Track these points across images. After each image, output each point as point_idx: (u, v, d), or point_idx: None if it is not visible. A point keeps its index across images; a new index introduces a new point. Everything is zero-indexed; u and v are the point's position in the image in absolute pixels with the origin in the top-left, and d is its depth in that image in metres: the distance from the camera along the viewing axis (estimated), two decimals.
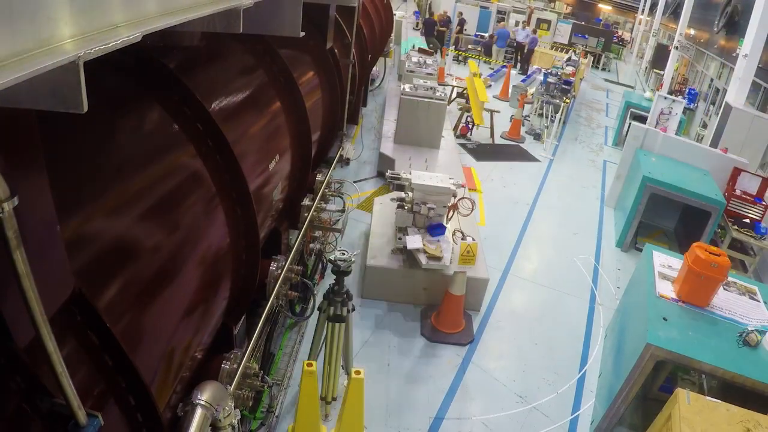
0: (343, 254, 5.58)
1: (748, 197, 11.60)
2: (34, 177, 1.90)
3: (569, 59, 22.13)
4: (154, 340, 2.83)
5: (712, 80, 21.27)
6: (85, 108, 1.68)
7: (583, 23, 37.37)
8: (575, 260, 10.99)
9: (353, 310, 6.08)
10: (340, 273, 5.75)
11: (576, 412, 7.18)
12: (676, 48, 26.65)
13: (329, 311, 5.88)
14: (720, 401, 5.27)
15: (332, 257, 5.52)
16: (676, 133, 15.07)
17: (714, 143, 13.98)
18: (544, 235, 11.93)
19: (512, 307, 9.14)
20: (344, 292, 5.90)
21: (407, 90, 12.83)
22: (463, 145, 15.40)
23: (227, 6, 2.84)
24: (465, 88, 16.76)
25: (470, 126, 16.10)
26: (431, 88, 12.96)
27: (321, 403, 6.56)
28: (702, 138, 17.66)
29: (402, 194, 8.40)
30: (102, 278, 2.46)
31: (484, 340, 8.17)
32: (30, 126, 1.84)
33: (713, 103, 19.85)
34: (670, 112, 15.63)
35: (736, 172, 11.85)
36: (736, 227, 11.06)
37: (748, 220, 11.22)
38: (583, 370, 7.97)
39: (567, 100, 18.08)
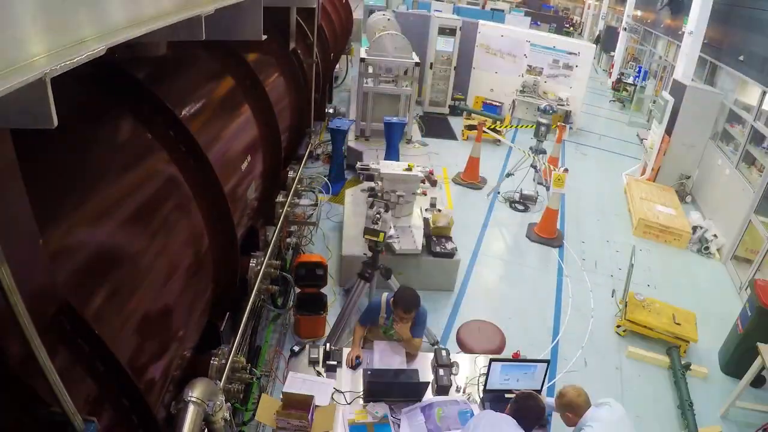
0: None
1: None
2: (13, 194, 1.87)
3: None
4: (143, 342, 2.81)
5: (660, 58, 21.54)
6: (55, 123, 1.66)
7: (534, 11, 37.59)
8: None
9: (388, 278, 7.38)
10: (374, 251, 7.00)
11: (552, 380, 7.28)
12: (625, 29, 26.93)
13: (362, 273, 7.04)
14: None
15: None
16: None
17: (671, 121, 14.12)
18: (509, 214, 12.01)
19: (484, 285, 9.24)
20: (378, 266, 7.15)
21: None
22: None
23: (189, 14, 2.82)
24: None
25: None
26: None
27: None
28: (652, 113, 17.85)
29: (372, 184, 8.41)
30: (88, 287, 2.43)
31: (461, 317, 8.23)
32: (5, 144, 1.81)
33: (662, 80, 20.12)
34: None
35: None
36: None
37: None
38: (556, 340, 8.07)
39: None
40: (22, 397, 2.02)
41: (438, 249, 8.53)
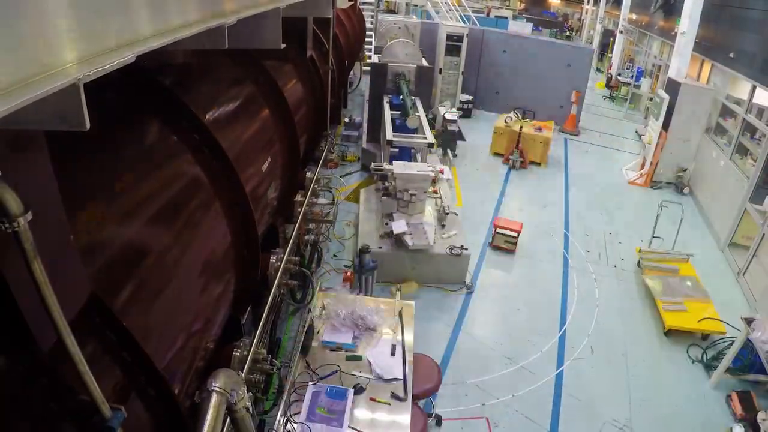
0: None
1: None
2: (46, 192, 1.87)
3: None
4: (168, 334, 2.80)
5: (655, 57, 21.40)
6: (88, 126, 1.66)
7: (535, 18, 37.58)
8: (547, 230, 11.02)
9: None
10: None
11: (560, 367, 7.23)
12: (621, 32, 26.71)
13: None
14: None
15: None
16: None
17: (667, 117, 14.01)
18: (517, 209, 11.95)
19: (493, 278, 9.18)
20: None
21: None
22: None
23: (213, 24, 2.81)
24: None
25: None
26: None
27: None
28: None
29: (386, 183, 8.42)
30: (116, 281, 2.42)
31: (471, 310, 8.20)
32: (39, 145, 1.81)
33: (657, 78, 19.98)
34: None
35: None
36: None
37: None
38: (563, 329, 8.01)
39: None
40: (52, 385, 2.01)
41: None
